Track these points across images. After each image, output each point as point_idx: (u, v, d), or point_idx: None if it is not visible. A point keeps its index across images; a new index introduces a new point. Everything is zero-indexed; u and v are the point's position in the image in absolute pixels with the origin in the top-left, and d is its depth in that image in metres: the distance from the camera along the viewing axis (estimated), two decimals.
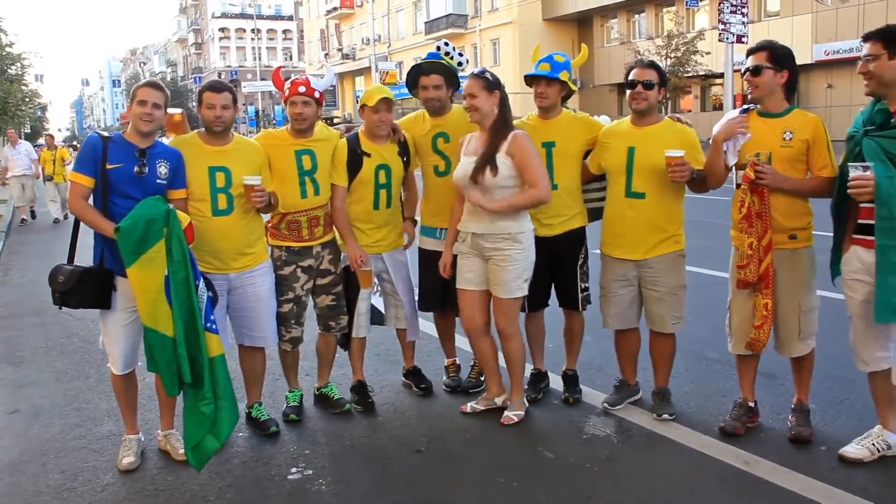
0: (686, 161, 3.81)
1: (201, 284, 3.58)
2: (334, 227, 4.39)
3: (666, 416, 4.11)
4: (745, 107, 3.86)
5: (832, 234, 3.62)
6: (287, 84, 4.17)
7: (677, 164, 3.79)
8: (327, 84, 4.40)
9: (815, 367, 3.97)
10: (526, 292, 4.16)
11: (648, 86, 3.97)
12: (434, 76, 4.36)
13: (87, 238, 3.77)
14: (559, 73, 4.15)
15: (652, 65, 4.08)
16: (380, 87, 4.39)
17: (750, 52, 3.76)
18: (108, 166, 3.61)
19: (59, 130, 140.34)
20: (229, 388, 3.59)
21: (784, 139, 3.66)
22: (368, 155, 4.32)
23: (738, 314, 3.90)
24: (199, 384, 3.51)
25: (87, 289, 3.66)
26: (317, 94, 4.14)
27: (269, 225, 4.27)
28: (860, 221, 3.38)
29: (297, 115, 4.10)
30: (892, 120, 3.27)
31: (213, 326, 3.59)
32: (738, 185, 3.73)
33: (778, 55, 3.70)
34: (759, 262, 3.64)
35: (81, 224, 3.78)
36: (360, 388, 4.59)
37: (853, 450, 3.54)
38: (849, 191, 3.23)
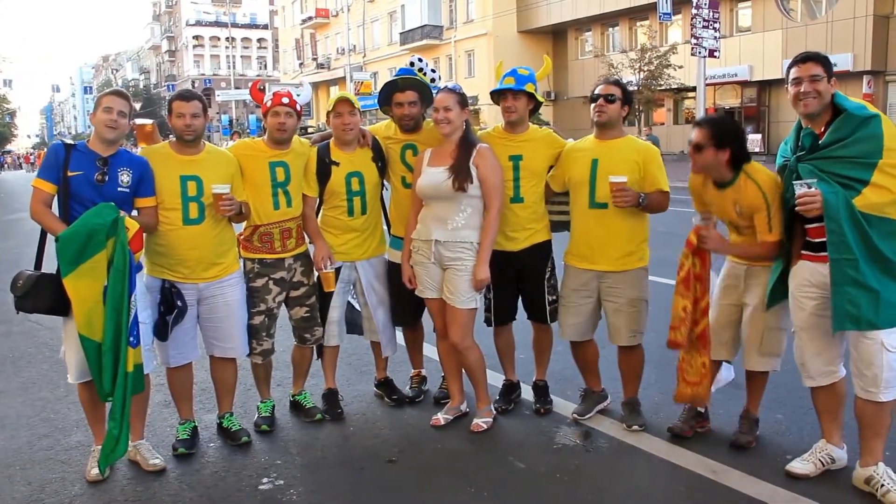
0: (628, 187, 3.88)
1: (134, 297, 3.55)
2: (306, 239, 4.39)
3: (636, 427, 4.14)
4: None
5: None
6: (269, 95, 4.18)
7: (619, 190, 3.86)
8: (305, 100, 4.40)
9: (783, 378, 4.03)
10: (478, 305, 4.21)
11: (610, 99, 4.05)
12: (409, 92, 4.35)
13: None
14: (524, 86, 4.17)
15: (617, 82, 4.17)
16: (339, 93, 4.43)
17: (695, 147, 3.69)
18: (69, 173, 3.61)
19: (28, 136, 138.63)
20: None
21: (736, 211, 3.73)
22: (337, 164, 4.32)
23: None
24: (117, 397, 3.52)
25: (43, 294, 3.63)
26: (298, 107, 4.18)
27: (242, 237, 4.26)
28: (807, 239, 3.43)
29: (280, 126, 4.11)
30: (820, 141, 3.32)
31: (135, 341, 3.56)
32: None
33: (722, 137, 3.64)
34: (695, 324, 3.77)
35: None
36: (330, 397, 4.60)
37: (799, 466, 3.57)
38: (797, 208, 3.26)
